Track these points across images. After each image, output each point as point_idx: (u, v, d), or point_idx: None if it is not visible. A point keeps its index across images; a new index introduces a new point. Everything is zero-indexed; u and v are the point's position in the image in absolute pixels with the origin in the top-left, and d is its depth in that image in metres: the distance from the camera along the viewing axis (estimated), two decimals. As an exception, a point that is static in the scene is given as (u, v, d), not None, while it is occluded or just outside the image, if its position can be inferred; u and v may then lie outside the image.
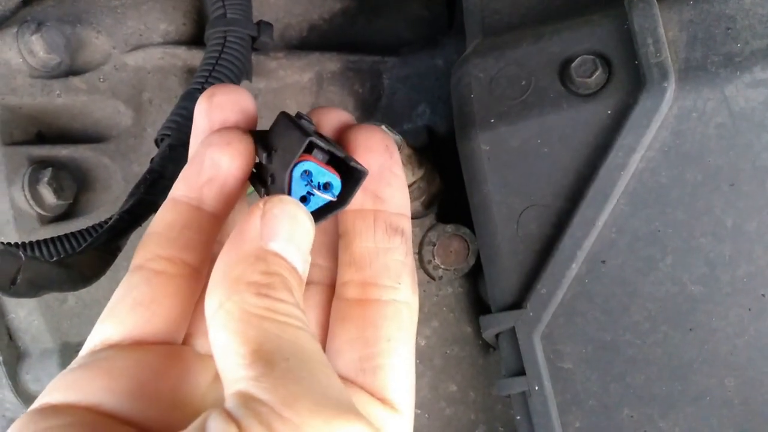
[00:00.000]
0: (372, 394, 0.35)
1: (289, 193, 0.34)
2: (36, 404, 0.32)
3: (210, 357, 0.36)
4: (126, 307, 0.34)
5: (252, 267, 0.31)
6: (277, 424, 0.25)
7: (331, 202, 0.36)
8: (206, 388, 0.35)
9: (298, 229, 0.33)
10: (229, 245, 0.32)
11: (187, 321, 0.36)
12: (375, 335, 0.36)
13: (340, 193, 0.36)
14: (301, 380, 0.27)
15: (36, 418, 0.30)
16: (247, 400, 0.26)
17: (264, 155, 0.36)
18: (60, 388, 0.32)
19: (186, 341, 0.37)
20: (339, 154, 0.35)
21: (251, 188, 0.39)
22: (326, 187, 0.35)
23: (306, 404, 0.26)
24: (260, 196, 0.37)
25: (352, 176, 0.36)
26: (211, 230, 0.37)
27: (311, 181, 0.35)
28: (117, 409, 0.31)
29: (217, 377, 0.35)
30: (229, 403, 0.27)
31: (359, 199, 0.37)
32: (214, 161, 0.36)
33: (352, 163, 0.35)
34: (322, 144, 0.35)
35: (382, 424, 0.35)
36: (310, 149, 0.35)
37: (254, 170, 0.38)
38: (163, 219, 0.36)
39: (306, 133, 0.34)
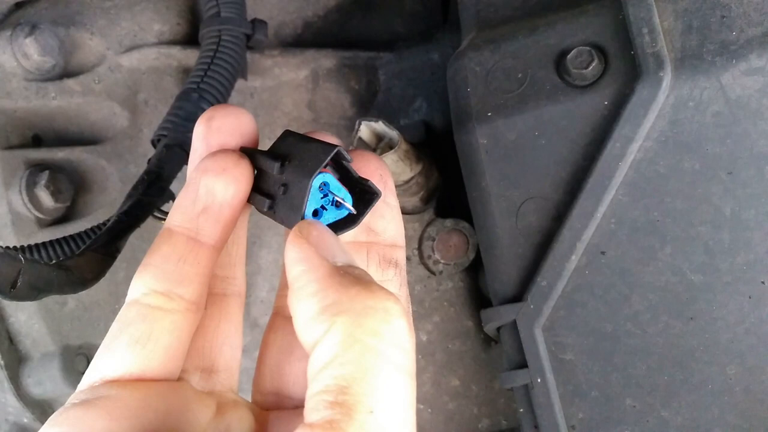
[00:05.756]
0: None
1: (307, 203, 0.34)
2: None
3: (208, 394, 0.36)
4: (123, 344, 0.34)
5: (338, 285, 0.30)
6: None
7: (341, 220, 0.35)
8: (206, 425, 0.35)
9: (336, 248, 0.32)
10: (302, 276, 0.31)
11: (184, 356, 0.36)
12: None
13: (351, 213, 0.35)
14: None
15: None
16: None
17: (276, 165, 0.35)
18: (62, 424, 0.31)
19: (181, 376, 0.36)
20: (354, 172, 0.35)
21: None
22: (337, 205, 0.35)
23: None
24: (260, 207, 0.36)
25: (363, 197, 0.35)
26: (207, 262, 0.36)
27: (327, 194, 0.35)
28: None
29: (216, 414, 0.35)
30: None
31: (352, 232, 0.36)
32: (208, 189, 0.35)
33: (369, 183, 0.35)
34: (347, 157, 0.34)
35: None
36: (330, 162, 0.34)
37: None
38: (159, 250, 0.35)
39: (332, 145, 0.34)
